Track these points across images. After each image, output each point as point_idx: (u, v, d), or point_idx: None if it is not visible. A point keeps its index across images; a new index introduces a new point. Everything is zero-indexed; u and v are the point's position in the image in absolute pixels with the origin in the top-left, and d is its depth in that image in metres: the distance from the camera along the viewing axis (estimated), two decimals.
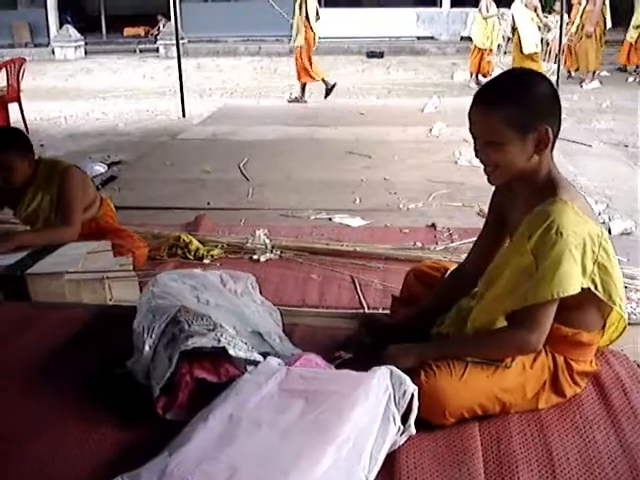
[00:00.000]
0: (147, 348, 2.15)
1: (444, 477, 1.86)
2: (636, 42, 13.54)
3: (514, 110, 2.06)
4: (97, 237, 3.87)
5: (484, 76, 13.07)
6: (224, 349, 2.08)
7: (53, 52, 19.09)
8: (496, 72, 12.68)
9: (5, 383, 2.26)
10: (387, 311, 3.07)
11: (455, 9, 21.87)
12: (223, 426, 1.74)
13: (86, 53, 19.67)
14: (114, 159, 7.41)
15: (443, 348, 2.13)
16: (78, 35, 19.16)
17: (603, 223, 5.07)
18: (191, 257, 4.22)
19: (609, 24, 12.76)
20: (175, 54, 18.35)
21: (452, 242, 4.54)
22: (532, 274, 2.00)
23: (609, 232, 4.82)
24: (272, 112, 9.77)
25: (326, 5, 22.37)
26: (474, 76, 13.08)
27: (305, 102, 10.95)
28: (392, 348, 2.14)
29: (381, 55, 17.88)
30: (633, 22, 13.71)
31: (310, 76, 10.95)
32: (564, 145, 8.08)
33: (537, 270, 1.99)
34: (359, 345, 2.47)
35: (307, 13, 10.56)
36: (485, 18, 12.76)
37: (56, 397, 2.17)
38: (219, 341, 2.09)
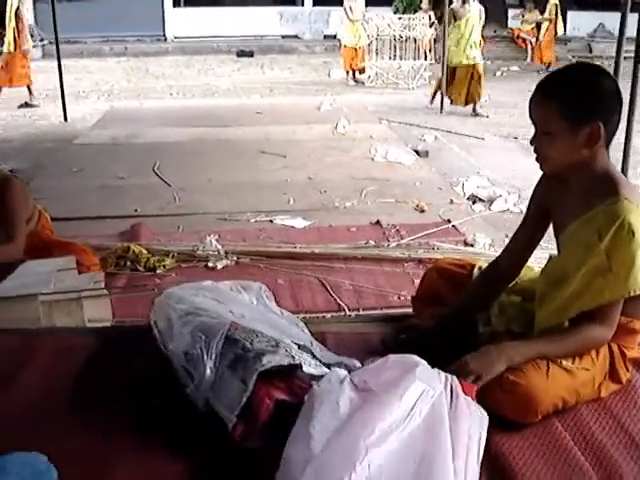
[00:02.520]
0: (208, 372, 1.94)
1: (556, 473, 1.81)
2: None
3: (569, 102, 2.04)
4: (41, 252, 3.54)
5: (359, 73, 13.24)
6: (297, 366, 1.91)
7: None
8: (367, 70, 12.96)
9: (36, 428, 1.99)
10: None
11: (317, 8, 22.00)
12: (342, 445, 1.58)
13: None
14: (4, 167, 6.89)
15: (529, 349, 2.06)
16: None
17: (521, 212, 5.21)
18: (142, 269, 3.96)
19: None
20: (36, 56, 17.64)
21: (402, 238, 4.50)
22: (606, 273, 2.01)
23: None
24: (164, 114, 9.42)
25: (186, 4, 22.06)
26: (350, 74, 13.20)
27: (38, 105, 10.72)
28: (470, 359, 2.04)
29: (251, 54, 17.73)
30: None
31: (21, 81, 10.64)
32: (459, 139, 8.31)
33: (611, 269, 2.00)
34: (398, 346, 2.36)
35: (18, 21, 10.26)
36: (351, 20, 12.92)
37: (103, 436, 1.93)
38: (293, 358, 1.92)
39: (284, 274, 3.92)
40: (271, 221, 4.84)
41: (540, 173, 2.32)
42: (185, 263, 4.08)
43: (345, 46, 12.97)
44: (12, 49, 10.10)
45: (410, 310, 2.85)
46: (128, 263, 3.97)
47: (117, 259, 3.97)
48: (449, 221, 4.82)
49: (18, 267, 3.15)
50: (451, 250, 4.28)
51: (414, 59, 13.07)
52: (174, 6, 21.79)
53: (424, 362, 1.84)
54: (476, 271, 2.57)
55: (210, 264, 4.04)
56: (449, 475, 1.52)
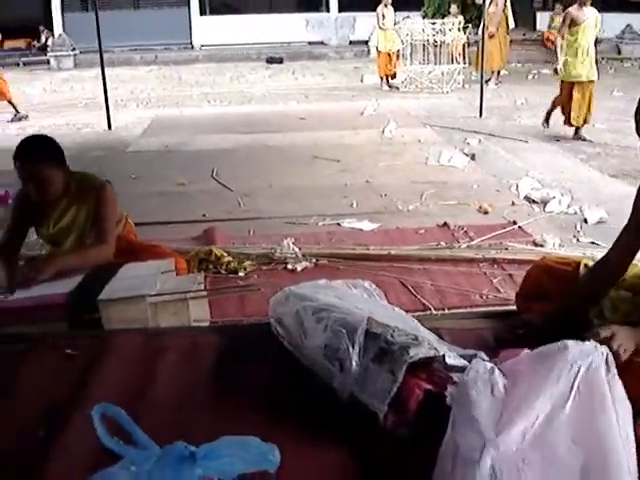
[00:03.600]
0: (354, 364, 2.01)
1: None
2: None
3: None
4: (129, 255, 3.63)
5: (391, 78, 13.32)
6: (440, 357, 1.98)
7: None
8: (400, 75, 13.04)
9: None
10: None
11: (343, 13, 22.14)
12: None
13: None
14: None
15: None
16: None
17: (575, 214, 5.26)
18: (223, 271, 4.04)
19: (512, 24, 13.23)
20: (68, 65, 17.92)
21: (471, 239, 4.55)
22: None
23: (585, 222, 5.01)
24: (208, 121, 9.54)
25: (212, 13, 22.27)
26: (384, 79, 13.28)
27: (27, 116, 10.80)
28: (616, 328, 2.09)
29: (281, 61, 17.86)
30: None
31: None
32: (502, 141, 8.35)
33: None
34: (512, 341, 2.42)
35: None
36: (383, 29, 13.02)
37: (252, 428, 2.00)
38: (436, 350, 1.99)
39: (364, 275, 3.95)
40: (338, 224, 4.91)
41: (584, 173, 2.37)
42: (264, 265, 4.14)
43: (379, 52, 13.04)
44: None
45: (512, 307, 2.91)
46: (210, 266, 4.05)
47: (199, 262, 4.05)
48: (515, 222, 4.87)
49: (119, 270, 3.24)
50: (523, 250, 4.33)
51: (447, 63, 13.13)
52: (201, 14, 22.01)
53: (573, 341, 1.86)
54: (582, 268, 2.62)
55: (289, 266, 4.11)
56: (619, 449, 1.57)
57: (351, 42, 21.44)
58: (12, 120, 10.58)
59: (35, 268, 3.25)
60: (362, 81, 14.11)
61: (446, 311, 3.55)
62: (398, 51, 13.25)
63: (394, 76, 13.42)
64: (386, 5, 12.99)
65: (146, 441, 1.61)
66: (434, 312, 3.54)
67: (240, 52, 19.05)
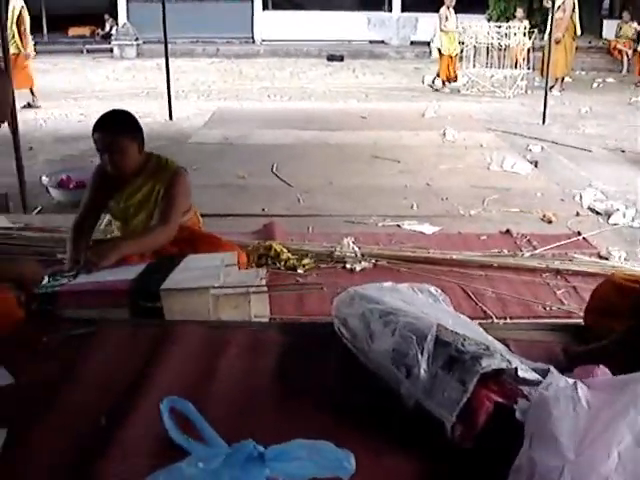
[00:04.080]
0: (423, 372, 1.97)
1: None
2: None
3: None
4: (190, 245, 3.65)
5: (450, 81, 13.18)
6: (513, 370, 1.92)
7: None
8: (460, 78, 12.90)
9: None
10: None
11: (405, 14, 22.01)
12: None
13: (36, 53, 18.90)
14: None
15: None
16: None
17: None
18: (282, 267, 4.02)
19: (579, 31, 12.98)
20: (131, 55, 18.15)
21: (534, 248, 4.46)
22: None
23: None
24: (268, 115, 9.56)
25: (274, 8, 22.33)
26: (445, 82, 13.15)
27: (40, 107, 10.85)
28: None
29: (341, 58, 17.83)
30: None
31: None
32: (565, 150, 8.19)
33: None
34: (582, 357, 2.34)
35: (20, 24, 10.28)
36: (445, 32, 12.89)
37: (320, 432, 1.96)
38: (509, 362, 1.93)
39: (424, 279, 3.90)
40: (399, 226, 4.86)
41: None
42: (323, 264, 4.11)
43: (442, 55, 12.91)
44: (15, 52, 10.16)
45: (579, 321, 2.83)
46: (269, 261, 4.04)
47: (258, 257, 4.04)
48: (579, 233, 4.76)
49: (183, 260, 3.23)
50: (588, 262, 4.22)
51: (511, 68, 12.95)
52: (263, 9, 22.09)
53: None
54: None
55: (348, 265, 4.07)
56: None
57: (412, 42, 21.32)
58: (24, 107, 10.68)
59: (99, 254, 3.27)
60: (423, 82, 13.99)
61: (508, 320, 3.50)
62: (463, 52, 13.14)
63: (455, 79, 13.29)
64: (449, 7, 12.86)
65: (214, 438, 1.59)
66: (496, 320, 3.48)
67: (301, 48, 19.08)
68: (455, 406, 1.87)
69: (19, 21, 10.14)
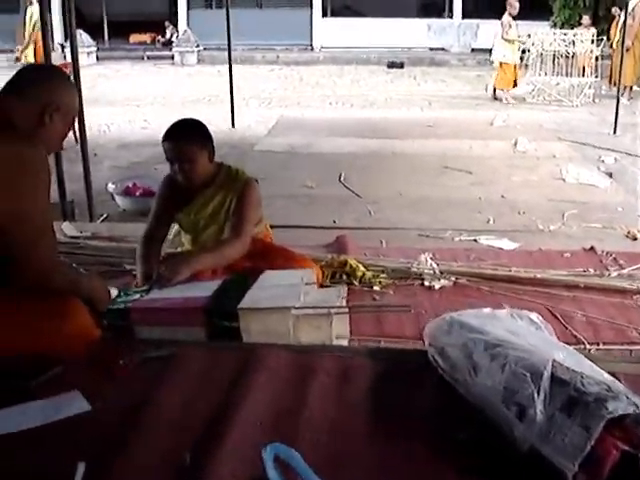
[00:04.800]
0: (539, 414, 1.78)
1: None
2: None
3: None
4: (263, 258, 3.52)
5: (509, 90, 12.83)
6: (637, 414, 1.73)
7: (65, 57, 18.54)
8: (524, 86, 12.57)
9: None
10: None
11: (466, 20, 21.72)
12: None
13: (97, 59, 19.19)
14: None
15: None
16: (91, 41, 18.67)
17: None
18: (357, 283, 3.84)
19: None
20: (191, 61, 18.24)
21: (622, 267, 4.21)
22: None
23: None
24: (332, 123, 9.41)
25: (333, 15, 22.26)
26: (506, 90, 12.80)
27: None
28: None
29: (401, 65, 17.63)
30: None
31: None
32: (638, 161, 7.87)
33: None
34: None
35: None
36: (508, 40, 12.56)
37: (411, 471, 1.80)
38: (636, 406, 1.74)
39: (507, 299, 3.71)
40: (475, 240, 4.65)
41: None
42: (399, 280, 3.93)
43: (506, 63, 12.56)
44: (33, 61, 9.99)
45: None
46: (344, 277, 3.87)
47: (332, 272, 3.88)
48: None
49: (260, 276, 3.10)
50: None
51: (578, 76, 12.59)
52: (323, 16, 22.03)
53: None
54: None
55: (427, 283, 3.89)
56: None
57: (473, 49, 21.01)
58: None
59: (172, 269, 3.16)
60: (486, 90, 13.70)
61: (601, 346, 3.27)
62: (527, 60, 12.82)
63: (515, 86, 12.96)
64: (511, 15, 12.53)
65: None
66: (588, 347, 3.26)
67: (360, 55, 18.94)
68: (578, 454, 1.69)
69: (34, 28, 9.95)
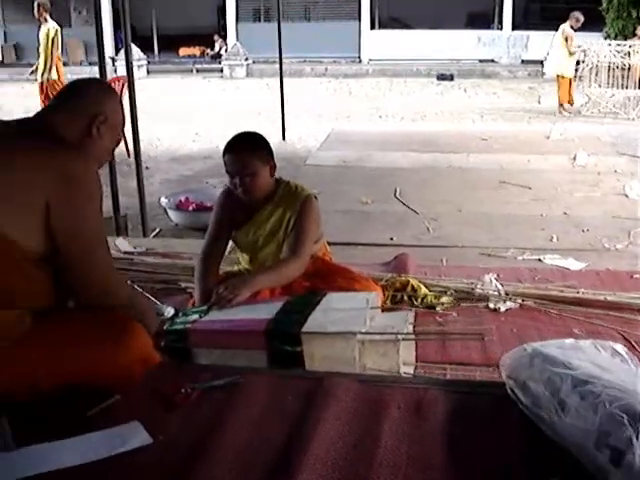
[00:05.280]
0: (638, 459, 1.64)
1: None
2: None
3: None
4: (325, 278, 3.42)
5: (569, 103, 12.55)
6: None
7: (115, 71, 18.76)
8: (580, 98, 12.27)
9: None
10: None
11: (516, 32, 21.47)
12: None
13: (148, 72, 19.38)
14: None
15: None
16: (141, 54, 18.86)
17: None
18: (419, 305, 3.70)
19: None
20: (240, 74, 18.30)
21: None
22: None
23: None
24: (384, 137, 9.29)
25: (381, 27, 22.19)
26: (565, 104, 12.50)
27: None
28: None
29: (451, 78, 17.44)
30: None
31: None
32: None
33: None
34: None
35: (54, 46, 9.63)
36: (572, 53, 12.27)
37: None
38: None
39: (577, 323, 3.54)
40: (540, 260, 4.47)
41: None
42: (463, 302, 3.78)
43: (563, 77, 12.28)
44: (53, 77, 9.76)
45: None
46: (405, 297, 3.74)
47: (393, 293, 3.75)
48: None
49: (322, 299, 2.99)
50: None
51: (635, 88, 12.28)
52: (371, 28, 21.97)
53: None
54: None
55: (491, 305, 3.73)
56: None
57: (523, 61, 20.74)
58: None
59: (232, 289, 3.06)
60: (539, 102, 13.46)
61: None
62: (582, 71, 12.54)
63: (571, 101, 12.67)
64: (573, 28, 12.25)
65: None
66: None
67: (409, 67, 18.81)
68: None
69: (54, 45, 9.57)
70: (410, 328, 2.87)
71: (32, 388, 2.10)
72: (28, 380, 2.09)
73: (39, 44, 9.60)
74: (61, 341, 2.16)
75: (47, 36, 9.43)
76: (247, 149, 3.24)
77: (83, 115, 2.26)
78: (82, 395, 2.15)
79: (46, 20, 9.49)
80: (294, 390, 2.28)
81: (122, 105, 2.48)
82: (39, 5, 9.43)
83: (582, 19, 12.21)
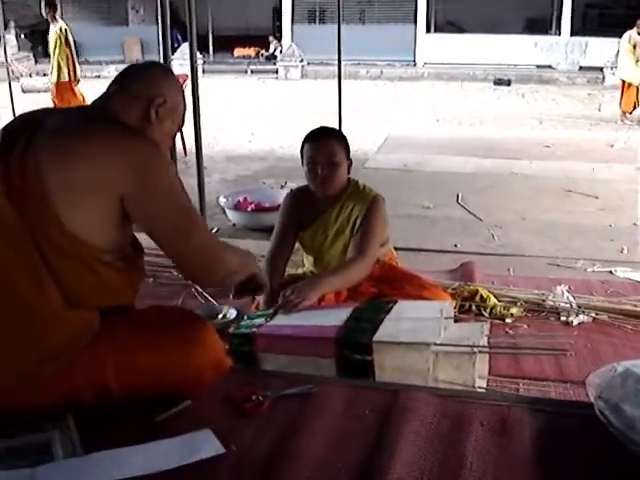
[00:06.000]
0: None
1: None
2: None
3: None
4: (392, 283, 3.34)
5: (630, 112, 12.20)
6: None
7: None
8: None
9: None
10: None
11: (574, 38, 21.04)
12: None
13: (203, 72, 19.44)
14: (292, 186, 6.88)
15: None
16: (198, 54, 18.95)
17: None
18: (487, 315, 3.59)
19: None
20: (295, 76, 18.29)
21: None
22: None
23: None
24: (442, 141, 9.14)
25: (437, 30, 21.97)
26: (627, 113, 12.15)
27: None
28: None
29: (508, 83, 17.16)
30: None
31: None
32: None
33: None
34: None
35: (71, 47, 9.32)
36: (639, 61, 11.92)
37: None
38: None
39: None
40: (611, 272, 4.32)
41: None
42: (532, 313, 3.65)
43: (630, 85, 11.93)
44: (66, 78, 9.55)
45: None
46: (473, 307, 3.63)
47: (462, 302, 3.64)
48: None
49: (394, 307, 2.89)
50: None
51: None
52: (427, 32, 21.78)
53: None
54: None
55: (563, 318, 3.59)
56: None
57: (581, 68, 20.33)
58: None
59: (299, 293, 2.99)
60: (599, 110, 13.15)
61: None
62: None
63: (635, 108, 12.32)
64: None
65: None
66: None
67: (465, 71, 18.57)
68: None
69: (68, 45, 9.34)
70: (485, 340, 2.76)
71: (100, 393, 2.03)
72: (97, 385, 2.02)
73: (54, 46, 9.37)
74: (131, 344, 2.08)
75: (58, 36, 9.29)
76: (331, 136, 3.23)
77: (141, 98, 2.13)
78: (151, 400, 2.09)
79: (55, 19, 9.34)
80: (369, 402, 2.20)
81: (182, 89, 2.36)
82: (48, 4, 9.21)
83: None
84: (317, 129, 3.29)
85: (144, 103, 2.13)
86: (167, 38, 5.39)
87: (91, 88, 10.12)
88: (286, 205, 3.46)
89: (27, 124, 2.00)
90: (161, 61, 5.06)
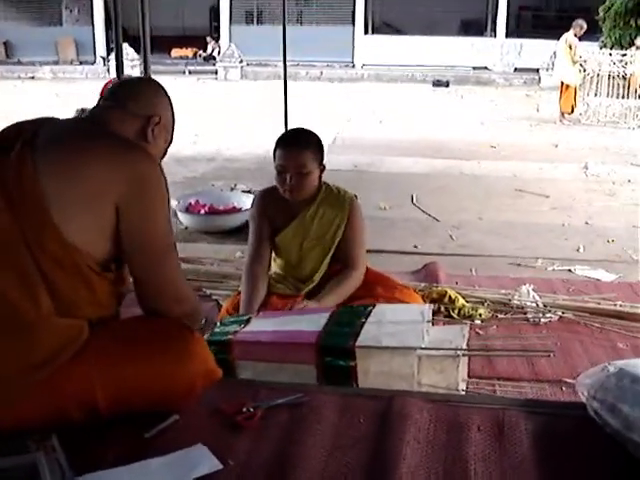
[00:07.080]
0: None
1: None
2: None
3: None
4: (366, 286, 3.31)
5: (569, 113, 12.48)
6: None
7: (108, 70, 18.58)
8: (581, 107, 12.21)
9: None
10: None
11: (509, 39, 21.46)
12: None
13: (140, 73, 19.15)
14: (242, 188, 6.83)
15: None
16: (135, 55, 18.61)
17: None
18: (455, 316, 3.59)
19: None
20: (235, 77, 18.15)
21: None
22: None
23: None
24: (391, 142, 9.18)
25: (375, 32, 22.13)
26: (565, 114, 12.41)
27: None
28: None
29: (447, 84, 17.39)
30: None
31: None
32: None
33: None
34: None
35: None
36: (576, 62, 12.23)
37: None
38: None
39: (620, 337, 3.43)
40: (570, 271, 4.38)
41: None
42: (499, 313, 3.67)
43: (568, 86, 12.21)
44: None
45: None
46: (442, 308, 3.62)
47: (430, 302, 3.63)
48: None
49: (372, 310, 2.86)
50: None
51: (635, 98, 12.25)
52: (365, 33, 21.91)
53: None
54: None
55: (530, 317, 3.62)
56: None
57: (516, 69, 20.74)
58: None
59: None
60: (538, 111, 13.41)
61: None
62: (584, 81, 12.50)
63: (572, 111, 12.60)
64: (576, 36, 12.19)
65: None
66: None
67: (404, 73, 18.75)
68: None
69: None
70: (465, 343, 2.75)
71: (87, 407, 1.94)
72: (83, 399, 1.94)
73: None
74: (118, 355, 1.99)
75: None
76: (304, 146, 3.10)
77: (137, 116, 2.11)
78: (139, 414, 2.01)
79: None
80: (361, 409, 2.16)
81: (172, 103, 2.34)
82: None
83: (585, 27, 12.16)
84: (291, 132, 3.22)
85: (141, 122, 2.12)
86: (119, 40, 5.25)
87: (26, 90, 9.88)
88: (257, 208, 3.35)
89: (25, 131, 1.97)
90: (98, 61, 4.94)
